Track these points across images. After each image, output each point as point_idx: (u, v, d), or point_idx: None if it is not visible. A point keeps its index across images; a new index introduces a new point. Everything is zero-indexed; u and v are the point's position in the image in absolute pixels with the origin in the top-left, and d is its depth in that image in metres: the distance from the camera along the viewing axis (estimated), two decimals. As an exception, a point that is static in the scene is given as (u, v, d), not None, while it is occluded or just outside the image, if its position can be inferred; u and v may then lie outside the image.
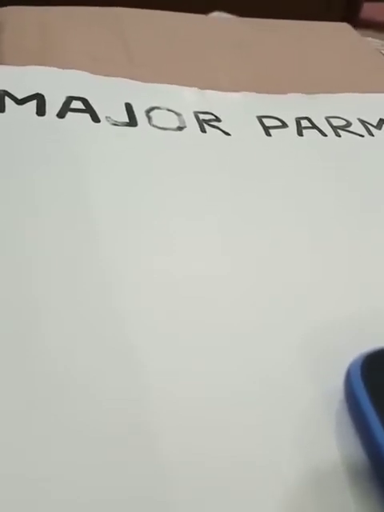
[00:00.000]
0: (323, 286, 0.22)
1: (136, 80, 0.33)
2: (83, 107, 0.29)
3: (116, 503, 0.15)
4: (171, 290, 0.21)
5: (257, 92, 0.34)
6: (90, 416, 0.16)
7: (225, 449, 0.16)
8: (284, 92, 0.35)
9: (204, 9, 0.57)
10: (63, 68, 0.32)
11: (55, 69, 0.31)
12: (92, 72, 0.32)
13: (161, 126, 0.29)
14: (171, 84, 0.33)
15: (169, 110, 0.30)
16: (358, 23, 0.79)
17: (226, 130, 0.30)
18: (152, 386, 0.17)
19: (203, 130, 0.29)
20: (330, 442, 0.17)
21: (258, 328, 0.20)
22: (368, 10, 0.80)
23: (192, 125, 0.30)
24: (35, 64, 0.32)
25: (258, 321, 0.20)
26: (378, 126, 0.33)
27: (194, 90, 0.33)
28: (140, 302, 0.20)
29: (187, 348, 0.19)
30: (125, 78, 0.33)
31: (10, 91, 0.28)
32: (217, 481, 0.15)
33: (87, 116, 0.28)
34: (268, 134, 0.30)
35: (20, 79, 0.30)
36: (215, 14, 0.60)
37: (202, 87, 0.34)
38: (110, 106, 0.29)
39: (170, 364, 0.18)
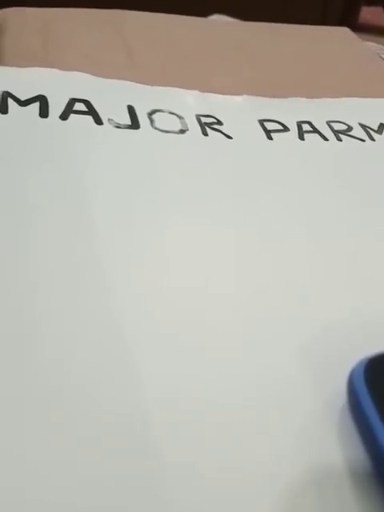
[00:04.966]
0: (325, 290, 0.22)
1: (137, 82, 0.33)
2: (86, 109, 0.29)
3: (113, 509, 0.15)
4: (171, 294, 0.21)
5: (257, 95, 0.35)
6: (87, 419, 0.16)
7: (225, 454, 0.16)
8: (284, 95, 0.35)
9: (203, 12, 0.57)
10: (65, 70, 0.32)
11: (58, 70, 0.31)
12: (93, 74, 0.32)
13: (163, 128, 0.29)
14: (172, 86, 0.33)
15: (171, 113, 0.30)
16: (356, 27, 0.79)
17: (228, 134, 0.30)
18: (150, 389, 0.17)
19: (205, 134, 0.30)
20: (332, 448, 0.17)
21: (260, 333, 0.20)
22: (366, 14, 0.81)
23: (194, 128, 0.30)
24: (37, 65, 0.32)
25: (260, 325, 0.20)
26: (379, 131, 0.33)
27: (196, 92, 0.33)
28: (139, 308, 0.20)
29: (187, 353, 0.19)
30: (126, 80, 0.33)
31: (12, 93, 0.28)
32: (215, 487, 0.15)
33: (90, 118, 0.28)
34: (269, 138, 0.30)
35: (23, 80, 0.30)
36: (215, 17, 0.60)
37: (203, 90, 0.34)
38: (112, 108, 0.30)
39: (170, 368, 0.18)
